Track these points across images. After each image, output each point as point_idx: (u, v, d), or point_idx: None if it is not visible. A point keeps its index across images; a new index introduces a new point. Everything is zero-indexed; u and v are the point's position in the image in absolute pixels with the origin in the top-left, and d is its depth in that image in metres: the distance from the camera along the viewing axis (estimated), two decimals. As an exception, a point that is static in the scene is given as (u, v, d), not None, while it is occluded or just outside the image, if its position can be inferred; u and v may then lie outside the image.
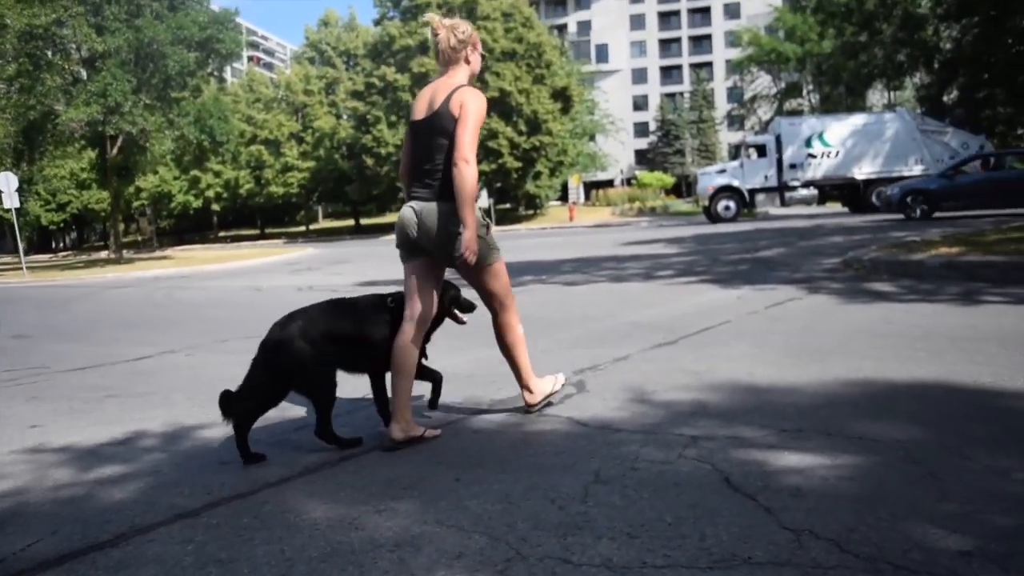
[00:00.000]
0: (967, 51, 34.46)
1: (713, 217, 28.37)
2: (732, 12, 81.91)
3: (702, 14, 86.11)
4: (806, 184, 28.75)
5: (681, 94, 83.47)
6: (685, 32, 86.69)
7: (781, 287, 7.76)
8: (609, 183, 74.09)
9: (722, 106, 78.35)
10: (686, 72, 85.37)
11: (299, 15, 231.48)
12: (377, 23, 48.52)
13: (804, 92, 60.97)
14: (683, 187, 71.14)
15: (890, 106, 42.79)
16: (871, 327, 5.27)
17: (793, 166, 28.67)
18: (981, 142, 28.83)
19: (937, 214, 19.37)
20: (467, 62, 3.48)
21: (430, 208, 3.34)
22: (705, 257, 12.08)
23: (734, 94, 75.13)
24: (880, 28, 36.76)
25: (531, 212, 51.33)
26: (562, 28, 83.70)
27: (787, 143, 28.85)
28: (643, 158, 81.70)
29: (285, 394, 3.35)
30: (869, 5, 36.83)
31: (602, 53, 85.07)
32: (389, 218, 63.72)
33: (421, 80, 42.61)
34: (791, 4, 51.33)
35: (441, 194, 3.33)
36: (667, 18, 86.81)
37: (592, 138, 71.18)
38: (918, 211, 19.50)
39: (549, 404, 3.75)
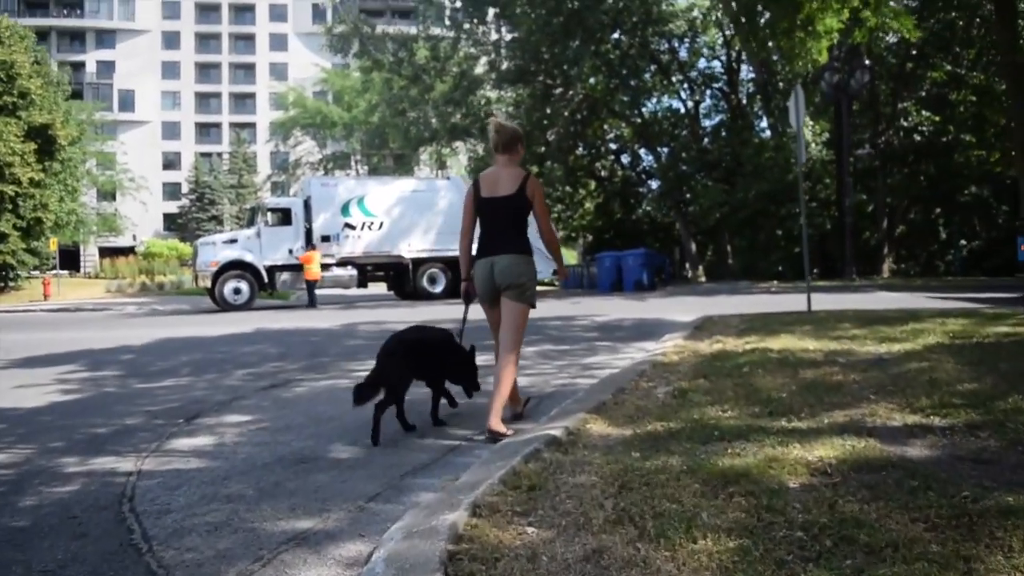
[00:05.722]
0: (523, 122, 31.80)
1: (220, 303, 20.83)
2: (279, 73, 75.38)
3: (245, 71, 78.62)
4: (343, 263, 22.61)
5: (219, 155, 74.70)
6: (226, 88, 78.49)
7: None
8: (131, 250, 63.16)
9: (265, 171, 71.55)
10: (226, 131, 76.94)
11: None
12: None
13: (352, 161, 57.06)
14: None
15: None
16: None
17: (326, 238, 22.30)
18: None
19: None
20: (518, 152, 4.87)
21: (502, 258, 4.68)
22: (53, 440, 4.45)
23: (278, 159, 69.11)
24: (432, 84, 32.38)
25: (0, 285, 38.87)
26: (79, 66, 71.06)
27: (319, 209, 22.46)
28: (174, 223, 70.89)
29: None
30: (419, 57, 32.28)
31: (127, 101, 73.19)
32: None
33: None
34: (335, 50, 46.77)
35: (512, 249, 4.69)
36: (206, 71, 77.85)
37: (111, 197, 61.21)
38: None
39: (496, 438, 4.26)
